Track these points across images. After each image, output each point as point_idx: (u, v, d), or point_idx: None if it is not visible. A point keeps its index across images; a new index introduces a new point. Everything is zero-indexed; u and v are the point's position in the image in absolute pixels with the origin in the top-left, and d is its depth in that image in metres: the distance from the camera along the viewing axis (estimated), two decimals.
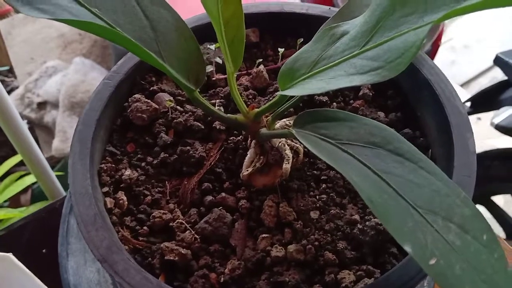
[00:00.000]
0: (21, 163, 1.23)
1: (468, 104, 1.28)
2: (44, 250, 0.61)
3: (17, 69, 1.65)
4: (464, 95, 1.78)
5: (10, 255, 0.47)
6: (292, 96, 0.42)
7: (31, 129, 1.51)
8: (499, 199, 1.45)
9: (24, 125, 0.94)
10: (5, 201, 1.20)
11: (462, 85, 2.10)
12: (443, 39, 2.12)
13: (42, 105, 1.50)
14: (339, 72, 0.36)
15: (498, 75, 1.92)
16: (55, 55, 1.66)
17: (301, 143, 0.44)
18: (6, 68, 1.71)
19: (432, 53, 1.55)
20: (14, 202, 1.30)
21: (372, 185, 0.32)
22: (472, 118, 1.78)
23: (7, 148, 1.37)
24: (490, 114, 1.21)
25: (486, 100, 1.27)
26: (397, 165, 0.34)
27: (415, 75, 0.45)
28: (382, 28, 0.36)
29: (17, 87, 1.59)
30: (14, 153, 1.21)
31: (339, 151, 0.35)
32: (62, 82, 1.48)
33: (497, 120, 1.18)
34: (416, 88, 0.47)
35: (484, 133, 1.69)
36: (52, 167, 1.10)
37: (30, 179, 1.21)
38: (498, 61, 1.18)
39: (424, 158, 0.34)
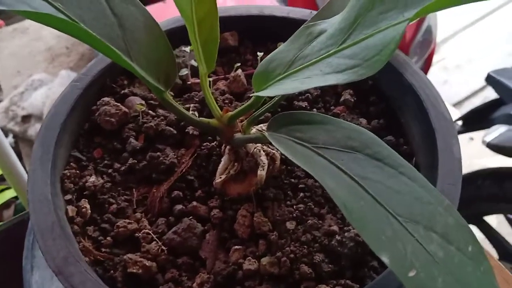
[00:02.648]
0: (1, 178, 1.19)
1: (460, 122, 1.27)
2: (8, 264, 0.57)
3: (3, 82, 1.63)
4: (457, 115, 1.77)
5: None
6: (269, 100, 0.40)
7: (15, 143, 1.48)
8: (492, 220, 1.42)
9: (4, 139, 0.92)
10: None
11: (454, 105, 2.10)
12: (436, 58, 2.13)
13: (26, 118, 1.47)
14: (314, 71, 0.34)
15: (490, 94, 1.92)
16: (42, 69, 1.64)
17: (277, 149, 0.42)
18: None
19: (424, 71, 1.55)
20: None
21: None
22: (465, 138, 1.77)
23: None
24: (483, 134, 1.20)
25: (477, 119, 1.26)
26: (376, 170, 0.32)
27: (399, 80, 0.43)
28: (360, 25, 0.34)
29: (1, 101, 1.57)
30: None
31: (315, 155, 0.33)
32: (48, 95, 1.45)
33: (488, 139, 1.16)
34: (399, 94, 0.44)
35: (476, 153, 1.68)
36: None
37: (10, 194, 1.18)
38: (490, 80, 1.18)
39: (405, 164, 0.32)
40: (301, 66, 0.35)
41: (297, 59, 0.36)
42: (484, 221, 1.29)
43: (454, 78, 2.19)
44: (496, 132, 1.15)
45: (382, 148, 0.33)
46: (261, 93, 0.37)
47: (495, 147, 1.13)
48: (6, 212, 1.37)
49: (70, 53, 1.67)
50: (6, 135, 1.46)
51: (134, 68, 0.36)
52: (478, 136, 1.30)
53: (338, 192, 0.29)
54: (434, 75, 2.11)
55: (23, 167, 0.99)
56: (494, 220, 1.50)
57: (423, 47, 1.58)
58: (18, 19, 1.84)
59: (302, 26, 0.38)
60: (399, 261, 0.26)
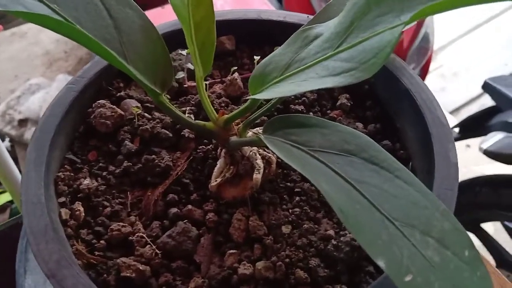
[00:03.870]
0: None
1: (457, 129, 1.27)
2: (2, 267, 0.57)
3: (0, 86, 1.63)
4: (454, 122, 1.77)
5: None
6: (266, 103, 0.40)
7: (11, 147, 1.47)
8: (489, 227, 1.42)
9: (0, 143, 0.91)
10: None
11: (451, 112, 2.10)
12: (433, 66, 2.13)
13: (23, 122, 1.46)
14: (311, 74, 0.34)
15: (487, 102, 1.92)
16: (39, 73, 1.63)
17: (273, 152, 0.41)
18: None
19: (421, 78, 1.55)
20: None
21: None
22: (461, 145, 1.77)
23: None
24: (479, 141, 1.20)
25: (474, 126, 1.26)
26: (372, 174, 0.31)
27: (395, 84, 0.43)
28: (356, 28, 0.34)
29: None
30: None
31: (310, 158, 0.33)
32: (45, 99, 1.45)
33: (485, 146, 1.16)
34: (395, 98, 0.44)
35: (473, 160, 1.68)
36: None
37: (5, 197, 1.17)
38: (487, 87, 1.18)
39: (401, 168, 0.32)
40: (297, 69, 0.35)
41: (293, 62, 0.36)
42: (481, 229, 1.29)
43: (451, 85, 2.20)
44: (493, 139, 1.15)
45: (378, 152, 0.33)
46: (257, 96, 0.36)
47: (492, 154, 1.13)
48: (1, 216, 1.36)
49: (68, 57, 1.66)
50: (3, 139, 1.46)
51: (130, 70, 0.36)
52: (475, 143, 1.30)
53: (334, 196, 0.29)
54: (431, 83, 2.11)
55: (19, 171, 0.99)
56: (491, 228, 1.49)
57: (420, 54, 1.59)
58: (17, 24, 1.84)
59: (298, 30, 0.38)
60: (395, 265, 0.26)
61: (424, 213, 0.29)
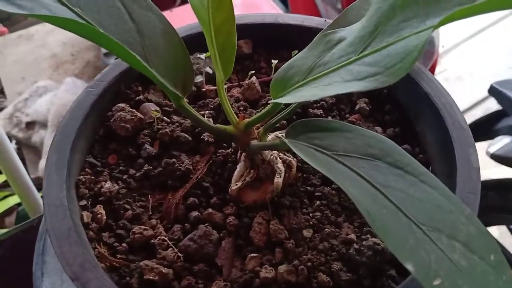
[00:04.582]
0: (6, 184, 1.19)
1: None
2: (17, 270, 0.57)
3: (8, 89, 1.63)
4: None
5: None
6: (285, 107, 0.40)
7: (18, 149, 1.47)
8: (494, 231, 1.42)
9: (9, 145, 0.92)
10: None
11: None
12: (437, 70, 2.13)
13: (30, 125, 1.47)
14: (335, 78, 0.34)
15: (492, 106, 1.92)
16: (46, 75, 1.64)
17: (294, 156, 0.42)
18: None
19: None
20: None
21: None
22: None
23: None
24: (485, 145, 1.20)
25: (480, 130, 1.26)
26: (397, 178, 0.31)
27: (414, 89, 0.43)
28: (381, 33, 0.34)
29: (5, 107, 1.56)
30: None
31: (335, 162, 0.33)
32: (52, 102, 1.45)
33: (492, 150, 1.16)
34: (415, 102, 0.44)
35: (480, 164, 1.67)
36: (39, 189, 1.06)
37: (14, 200, 1.17)
38: (493, 91, 1.18)
39: (425, 172, 0.32)
40: (320, 73, 0.35)
41: (316, 66, 0.36)
42: None
43: (456, 89, 2.19)
44: (500, 143, 1.15)
45: (402, 156, 0.33)
46: (279, 100, 0.36)
47: (499, 158, 1.13)
48: (8, 219, 1.37)
49: (75, 60, 1.67)
50: (10, 141, 1.46)
51: (153, 73, 0.36)
52: (481, 147, 1.30)
53: (361, 200, 0.29)
54: None
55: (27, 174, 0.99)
56: (496, 231, 1.49)
57: (426, 58, 1.59)
58: (23, 26, 1.84)
59: (319, 34, 0.38)
60: (424, 269, 0.26)
61: (450, 217, 0.29)
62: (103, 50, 1.50)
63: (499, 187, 1.20)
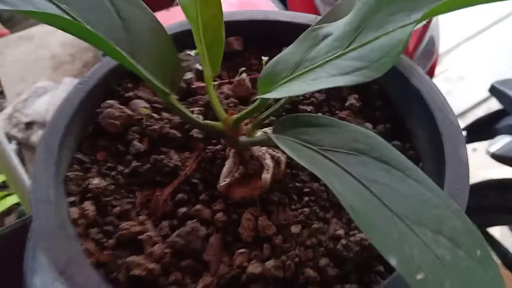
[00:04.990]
0: (5, 184, 1.19)
1: (464, 133, 1.26)
2: (10, 268, 0.57)
3: (7, 89, 1.63)
4: (460, 126, 1.76)
5: None
6: (274, 102, 0.40)
7: (18, 149, 1.48)
8: (495, 231, 1.41)
9: (7, 145, 0.92)
10: None
11: (457, 116, 2.09)
12: (438, 70, 2.13)
13: (29, 125, 1.47)
14: (321, 73, 0.34)
15: (493, 105, 1.92)
16: (46, 76, 1.64)
17: (283, 152, 0.41)
18: None
19: None
20: None
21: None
22: (468, 148, 1.76)
23: None
24: (486, 144, 1.19)
25: (481, 129, 1.26)
26: (382, 173, 0.31)
27: (404, 85, 0.43)
28: (366, 27, 0.34)
29: (5, 107, 1.57)
30: None
31: (321, 157, 0.32)
32: (51, 102, 1.45)
33: (493, 149, 1.16)
34: (405, 98, 0.44)
35: (480, 164, 1.67)
36: None
37: (12, 200, 1.18)
38: (494, 91, 1.18)
39: (412, 167, 0.32)
40: (307, 69, 0.35)
41: (303, 62, 0.36)
42: (488, 233, 1.28)
43: (457, 89, 2.19)
44: (500, 142, 1.15)
45: (389, 151, 0.32)
46: (266, 96, 0.36)
47: (499, 158, 1.13)
48: (8, 219, 1.37)
49: (74, 61, 1.67)
50: (10, 142, 1.46)
51: (140, 70, 0.36)
52: (482, 146, 1.30)
53: (346, 195, 0.29)
54: None
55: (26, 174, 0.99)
56: (498, 232, 1.49)
57: (426, 57, 1.59)
58: (24, 27, 1.85)
59: (307, 29, 0.38)
60: (406, 263, 0.26)
61: (435, 212, 0.29)
62: None
63: (500, 187, 1.19)
